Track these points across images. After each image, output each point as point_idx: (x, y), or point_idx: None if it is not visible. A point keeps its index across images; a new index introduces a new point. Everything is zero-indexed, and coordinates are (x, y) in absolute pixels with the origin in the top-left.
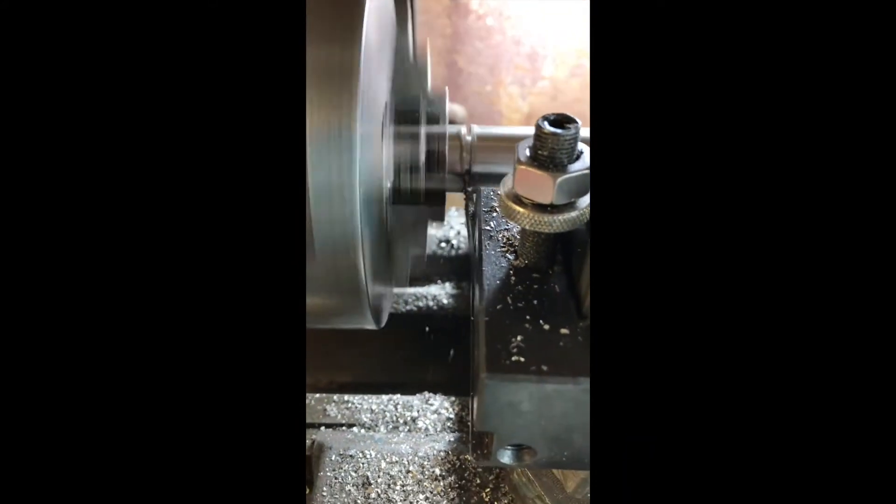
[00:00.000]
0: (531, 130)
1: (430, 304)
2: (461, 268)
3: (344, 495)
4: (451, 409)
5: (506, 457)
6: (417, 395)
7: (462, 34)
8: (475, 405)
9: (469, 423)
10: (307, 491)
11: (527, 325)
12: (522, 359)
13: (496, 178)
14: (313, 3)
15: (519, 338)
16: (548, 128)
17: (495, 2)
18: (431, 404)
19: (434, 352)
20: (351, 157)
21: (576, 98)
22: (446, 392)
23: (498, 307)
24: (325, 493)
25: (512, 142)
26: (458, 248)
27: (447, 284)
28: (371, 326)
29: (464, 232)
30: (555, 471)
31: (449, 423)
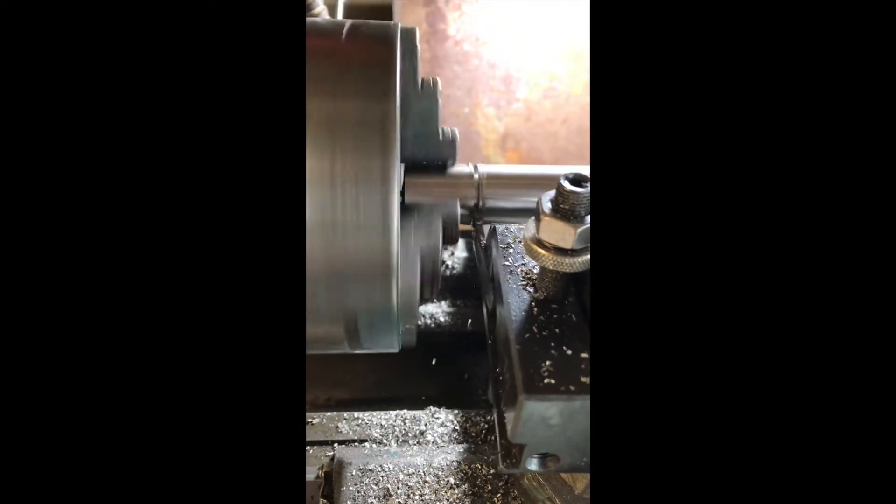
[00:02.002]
0: (530, 169)
1: (428, 321)
2: (456, 287)
3: None
4: (455, 422)
5: (533, 464)
6: (424, 409)
7: (440, 58)
8: (509, 422)
9: (496, 436)
10: None
11: (552, 351)
12: (553, 381)
13: (499, 212)
14: (352, 63)
15: (547, 362)
16: (569, 186)
17: (471, 28)
18: (437, 417)
19: (431, 368)
20: (390, 196)
21: (548, 118)
22: (443, 405)
23: (526, 336)
24: None
25: (514, 180)
26: (453, 268)
27: (443, 303)
28: (394, 350)
29: (458, 253)
30: (564, 475)
31: (455, 435)
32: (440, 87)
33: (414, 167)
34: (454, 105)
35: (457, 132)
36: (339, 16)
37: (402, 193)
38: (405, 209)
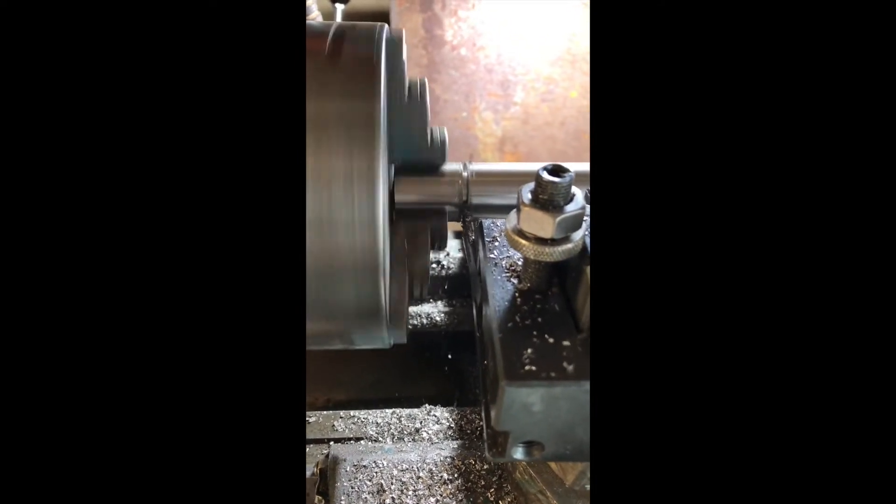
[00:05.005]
0: (518, 166)
1: (424, 321)
2: (452, 287)
3: (361, 502)
4: (451, 419)
5: (518, 453)
6: (420, 407)
7: (438, 64)
8: (493, 409)
9: (483, 426)
10: (323, 502)
11: (535, 340)
12: (534, 367)
13: (490, 208)
14: (338, 63)
15: (529, 350)
16: (547, 177)
17: (468, 33)
18: (433, 415)
19: (428, 367)
20: (376, 193)
21: (546, 122)
22: (442, 405)
23: (509, 325)
24: (343, 502)
25: (503, 177)
26: (449, 268)
27: (439, 303)
28: (384, 346)
29: (453, 254)
30: (554, 467)
31: (450, 432)
32: (428, 87)
33: (404, 170)
34: (452, 110)
35: (446, 133)
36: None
37: (392, 194)
38: (395, 210)
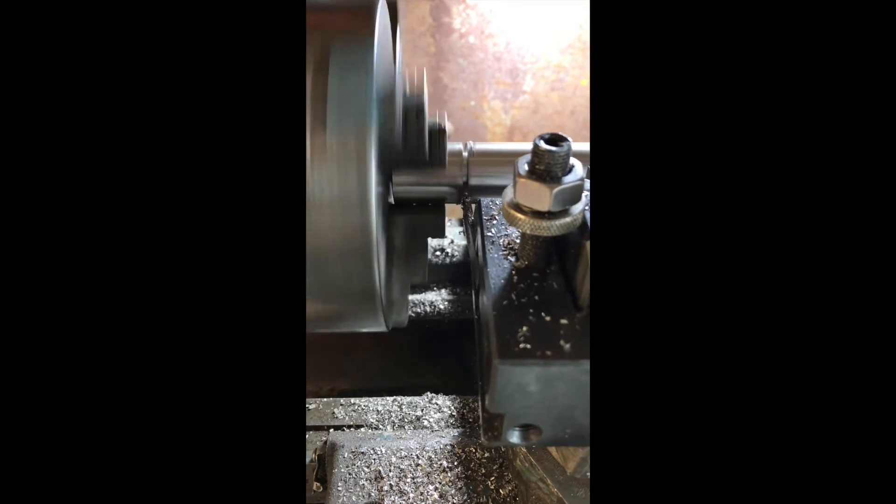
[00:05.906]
0: (521, 146)
1: (428, 309)
2: (456, 275)
3: (358, 489)
4: (453, 407)
5: (514, 437)
6: (421, 395)
7: (446, 52)
8: (487, 391)
9: (478, 411)
10: (321, 489)
11: (531, 318)
12: (529, 346)
13: (491, 190)
14: (327, 37)
15: (524, 328)
16: (544, 146)
17: (477, 20)
18: (435, 403)
19: (432, 356)
20: (368, 172)
21: (555, 111)
22: (445, 394)
23: (504, 303)
24: (340, 489)
25: (505, 157)
26: (453, 255)
27: (443, 291)
28: (382, 329)
29: (457, 241)
30: (555, 455)
31: (452, 420)
32: (425, 75)
33: (403, 164)
34: (460, 98)
35: (445, 126)
36: None
37: (390, 177)
38: (395, 202)
